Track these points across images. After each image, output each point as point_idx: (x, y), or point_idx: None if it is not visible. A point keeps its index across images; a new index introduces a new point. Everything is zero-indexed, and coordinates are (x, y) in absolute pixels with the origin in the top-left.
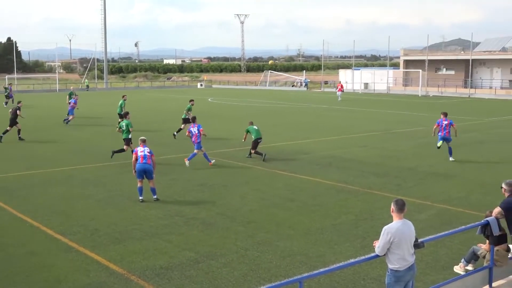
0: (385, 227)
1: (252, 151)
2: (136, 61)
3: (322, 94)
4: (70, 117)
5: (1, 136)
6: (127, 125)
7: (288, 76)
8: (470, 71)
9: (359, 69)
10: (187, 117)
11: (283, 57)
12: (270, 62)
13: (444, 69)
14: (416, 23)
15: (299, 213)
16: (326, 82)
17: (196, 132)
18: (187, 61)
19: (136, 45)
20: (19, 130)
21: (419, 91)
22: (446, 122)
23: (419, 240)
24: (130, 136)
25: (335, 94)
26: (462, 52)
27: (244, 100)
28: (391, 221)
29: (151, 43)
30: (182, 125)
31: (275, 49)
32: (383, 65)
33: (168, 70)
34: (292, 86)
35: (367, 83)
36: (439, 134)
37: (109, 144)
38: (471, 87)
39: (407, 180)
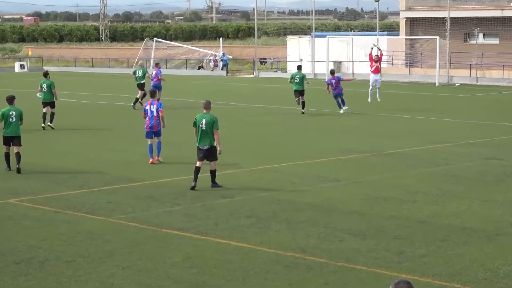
0: None
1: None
2: None
3: (257, 82)
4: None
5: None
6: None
7: (190, 50)
8: None
9: (324, 36)
10: None
11: (180, 13)
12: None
13: (481, 35)
14: None
15: None
16: (263, 61)
17: (156, 114)
18: None
19: None
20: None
21: (436, 76)
22: (334, 81)
23: None
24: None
25: (287, 80)
26: None
27: (104, 95)
28: None
29: None
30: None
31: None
32: (368, 29)
33: None
34: (199, 68)
35: (339, 62)
36: (333, 94)
37: None
38: None
39: (416, 242)
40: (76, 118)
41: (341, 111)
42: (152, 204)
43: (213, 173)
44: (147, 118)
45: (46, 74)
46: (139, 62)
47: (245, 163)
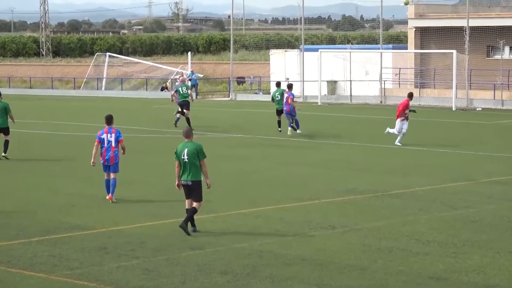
0: None
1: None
2: None
3: (234, 106)
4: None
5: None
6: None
7: (151, 67)
8: None
9: (315, 49)
10: None
11: (139, 21)
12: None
13: (507, 49)
14: None
15: None
16: (241, 81)
17: (114, 144)
18: None
19: None
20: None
21: (453, 99)
22: (287, 95)
23: None
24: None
25: (270, 103)
26: None
27: (48, 123)
28: None
29: None
30: None
31: (121, 2)
32: (370, 41)
33: None
34: (162, 89)
35: (334, 82)
36: (285, 112)
37: None
38: None
39: None
40: (13, 151)
41: (288, 132)
42: (104, 257)
43: (191, 212)
44: (103, 148)
45: None
46: (180, 78)
47: (219, 206)
